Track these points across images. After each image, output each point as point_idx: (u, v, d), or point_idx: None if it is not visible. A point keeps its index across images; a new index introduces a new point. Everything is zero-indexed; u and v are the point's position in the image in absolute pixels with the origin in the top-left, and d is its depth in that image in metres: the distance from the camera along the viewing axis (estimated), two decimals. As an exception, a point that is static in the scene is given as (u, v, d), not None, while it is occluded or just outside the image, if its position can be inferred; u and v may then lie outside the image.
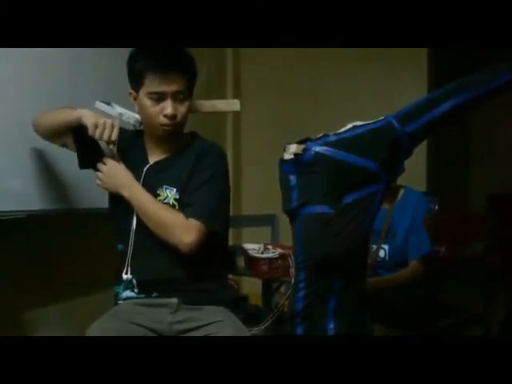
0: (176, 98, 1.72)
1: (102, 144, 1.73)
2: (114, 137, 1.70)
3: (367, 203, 1.60)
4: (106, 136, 1.68)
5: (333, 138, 1.63)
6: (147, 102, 1.72)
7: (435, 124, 1.63)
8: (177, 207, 1.74)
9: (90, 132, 1.68)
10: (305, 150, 1.60)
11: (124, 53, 1.73)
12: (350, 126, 1.67)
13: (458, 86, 1.62)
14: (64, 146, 1.84)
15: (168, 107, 1.71)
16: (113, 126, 1.70)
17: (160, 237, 1.70)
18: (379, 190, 1.63)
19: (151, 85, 1.70)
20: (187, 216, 1.70)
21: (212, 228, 1.72)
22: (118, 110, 1.84)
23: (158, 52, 1.72)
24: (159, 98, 1.71)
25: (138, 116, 1.83)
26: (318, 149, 1.59)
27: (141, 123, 1.84)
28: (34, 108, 1.84)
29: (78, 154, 1.79)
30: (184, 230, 1.68)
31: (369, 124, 1.65)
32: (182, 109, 1.74)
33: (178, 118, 1.74)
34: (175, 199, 1.75)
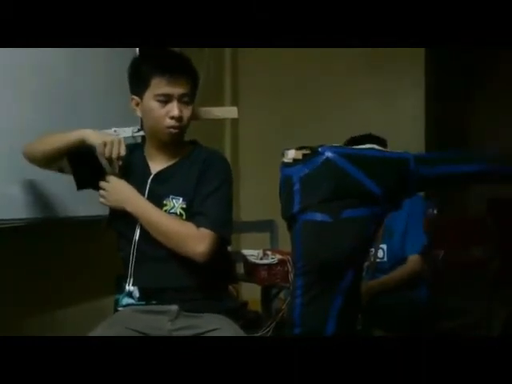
0: (181, 100, 1.74)
1: (102, 161, 1.73)
2: (123, 152, 1.72)
3: (364, 223, 1.61)
4: (115, 153, 1.70)
5: (347, 151, 1.64)
6: (153, 105, 1.73)
7: (447, 179, 1.67)
8: (184, 216, 1.74)
9: (99, 151, 1.69)
10: (316, 153, 1.60)
11: (124, 53, 1.73)
12: (368, 146, 1.72)
13: (485, 157, 1.65)
14: (60, 170, 1.83)
15: (174, 109, 1.72)
16: (120, 142, 1.72)
17: (171, 248, 1.70)
18: (376, 214, 1.63)
19: (158, 86, 1.71)
20: (198, 225, 1.71)
21: (223, 236, 1.74)
22: (112, 128, 1.84)
23: (164, 55, 1.75)
24: (165, 100, 1.72)
25: (130, 128, 1.83)
26: (330, 155, 1.59)
27: (138, 129, 1.84)
28: (33, 113, 1.83)
29: (74, 176, 1.78)
30: (197, 240, 1.69)
31: (386, 152, 1.69)
32: (187, 112, 1.76)
33: (184, 120, 1.75)
34: (182, 208, 1.75)
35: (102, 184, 1.76)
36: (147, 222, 1.72)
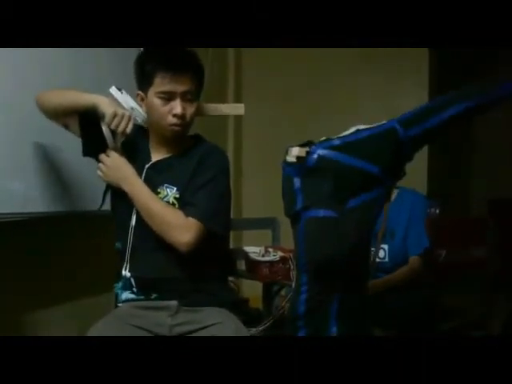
0: (185, 98, 1.74)
1: (106, 132, 1.72)
2: (129, 130, 1.72)
3: (369, 207, 1.61)
4: (121, 127, 1.70)
5: (336, 142, 1.63)
6: (157, 102, 1.73)
7: (437, 130, 1.64)
8: (176, 206, 1.74)
9: (107, 121, 1.68)
10: (308, 154, 1.60)
11: (125, 53, 1.73)
12: (353, 129, 1.67)
13: (460, 94, 1.63)
14: (65, 126, 1.82)
15: (177, 107, 1.72)
16: (129, 119, 1.72)
17: (158, 234, 1.70)
18: (381, 195, 1.63)
19: (161, 84, 1.71)
20: (187, 215, 1.70)
21: (211, 228, 1.72)
22: (130, 103, 1.83)
23: (169, 52, 1.74)
24: (169, 97, 1.72)
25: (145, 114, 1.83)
26: (321, 152, 1.59)
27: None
28: (34, 109, 1.83)
29: (82, 140, 1.76)
30: (183, 229, 1.68)
31: (372, 128, 1.65)
32: (190, 109, 1.76)
33: (187, 118, 1.75)
34: (175, 198, 1.75)
35: (103, 158, 1.75)
36: (140, 204, 1.72)
